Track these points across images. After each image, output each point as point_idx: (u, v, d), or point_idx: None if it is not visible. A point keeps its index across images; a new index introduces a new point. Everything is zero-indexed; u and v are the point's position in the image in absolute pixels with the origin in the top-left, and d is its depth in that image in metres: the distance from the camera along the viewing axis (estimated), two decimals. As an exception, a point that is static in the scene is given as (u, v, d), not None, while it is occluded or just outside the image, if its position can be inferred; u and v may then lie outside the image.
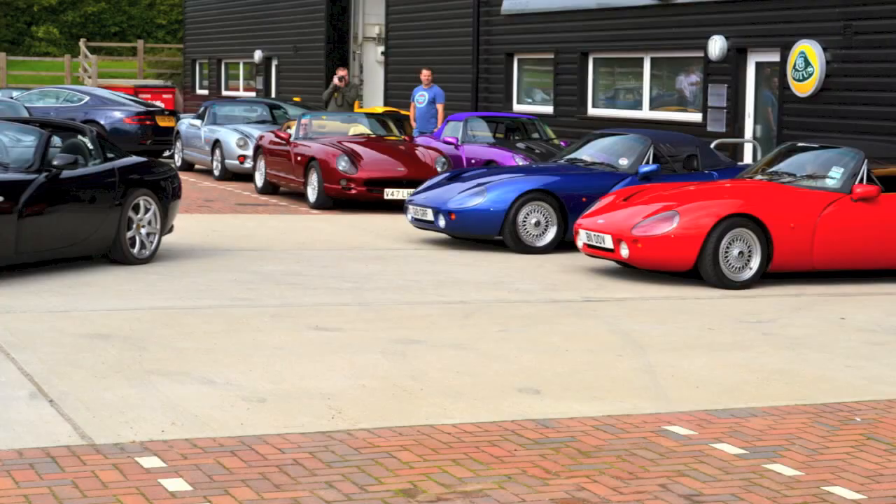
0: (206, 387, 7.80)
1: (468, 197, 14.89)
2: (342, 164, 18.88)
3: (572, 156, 16.22)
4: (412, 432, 6.93)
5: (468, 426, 7.11)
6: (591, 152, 16.10)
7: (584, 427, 7.16)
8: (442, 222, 14.96)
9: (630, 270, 13.32)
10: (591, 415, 7.44)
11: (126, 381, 7.89)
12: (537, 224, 14.76)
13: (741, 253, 12.54)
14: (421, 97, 24.06)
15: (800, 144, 14.41)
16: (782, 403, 7.88)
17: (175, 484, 5.90)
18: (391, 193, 18.79)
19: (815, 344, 9.86)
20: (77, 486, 5.82)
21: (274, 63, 36.16)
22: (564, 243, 14.72)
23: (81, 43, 46.54)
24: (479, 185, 15.08)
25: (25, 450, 6.34)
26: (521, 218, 14.70)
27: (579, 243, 13.31)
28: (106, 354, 8.62)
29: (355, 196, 18.85)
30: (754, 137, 19.74)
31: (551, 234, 14.82)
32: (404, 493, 5.90)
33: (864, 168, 13.04)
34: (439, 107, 23.87)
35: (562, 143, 21.07)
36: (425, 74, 24.24)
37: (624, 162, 15.53)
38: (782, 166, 13.81)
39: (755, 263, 12.59)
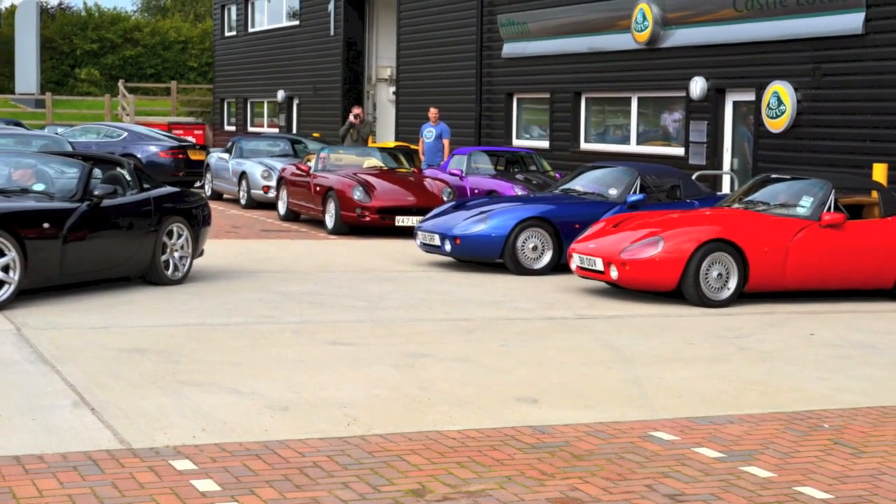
0: (234, 396, 7.81)
1: (472, 224, 14.91)
2: (357, 194, 18.91)
3: (566, 186, 16.23)
4: (421, 437, 6.94)
5: (472, 432, 7.11)
6: (584, 183, 16.11)
7: (577, 433, 7.16)
8: (448, 247, 14.98)
9: (619, 290, 13.32)
10: (584, 422, 7.44)
11: (161, 391, 7.90)
12: (535, 248, 14.77)
13: (720, 275, 12.55)
14: (428, 133, 24.09)
15: (773, 176, 14.43)
16: (757, 411, 7.88)
17: (205, 484, 5.91)
18: (402, 220, 18.81)
19: (787, 357, 9.86)
20: (116, 487, 5.83)
21: (295, 102, 36.24)
22: (560, 266, 14.73)
23: (120, 84, 46.66)
24: (481, 212, 15.09)
25: (69, 453, 6.35)
26: (519, 243, 14.71)
27: (573, 266, 13.32)
28: (142, 367, 8.63)
29: (369, 223, 18.87)
30: (732, 170, 19.75)
31: (547, 257, 14.83)
32: (414, 493, 5.90)
33: (832, 197, 13.06)
34: (445, 142, 23.89)
35: (556, 175, 21.09)
36: (432, 112, 24.28)
37: (613, 192, 15.53)
38: (757, 196, 13.82)
39: (733, 284, 12.60)
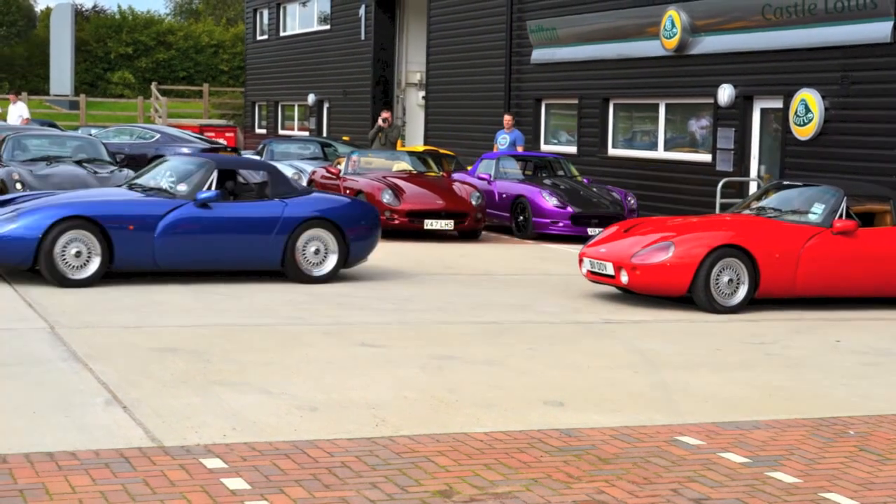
0: (264, 396, 7.83)
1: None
2: (386, 197, 18.93)
3: (138, 181, 13.97)
4: (448, 439, 6.95)
5: (499, 434, 7.11)
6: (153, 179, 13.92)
7: (604, 436, 7.15)
8: None
9: (645, 296, 13.27)
10: (610, 425, 7.44)
11: (192, 390, 7.93)
12: (78, 254, 12.39)
13: (731, 280, 12.49)
14: (503, 139, 23.89)
15: (785, 182, 14.37)
16: (783, 417, 7.86)
17: (235, 483, 5.93)
18: (430, 224, 18.83)
19: (813, 364, 9.83)
20: (148, 484, 5.86)
21: (325, 105, 36.32)
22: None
23: (153, 86, 46.88)
24: (15, 210, 12.79)
25: (101, 451, 6.39)
26: (58, 248, 12.32)
27: (583, 270, 13.28)
28: (174, 366, 8.67)
29: (398, 226, 18.89)
30: (759, 176, 19.69)
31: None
32: (441, 494, 5.91)
33: (844, 204, 13.00)
34: (519, 148, 23.53)
35: (584, 181, 21.07)
36: (507, 119, 24.10)
37: (183, 188, 13.34)
38: (769, 202, 13.77)
39: (743, 290, 12.53)
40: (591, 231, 18.75)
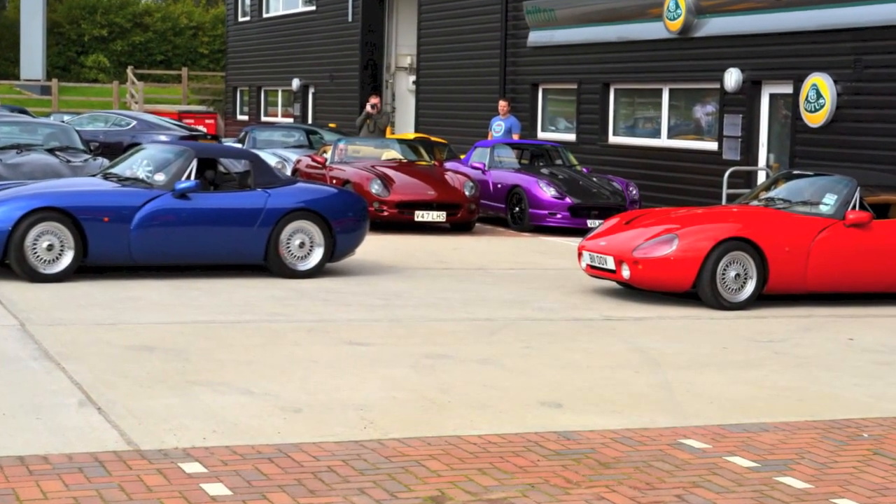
0: (246, 397, 7.83)
1: None
2: (375, 188, 18.93)
3: (114, 171, 13.96)
4: (440, 442, 6.94)
5: (493, 437, 7.11)
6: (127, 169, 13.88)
7: (604, 439, 7.16)
8: None
9: (647, 292, 13.28)
10: (611, 428, 7.44)
11: (169, 390, 7.93)
12: (50, 248, 12.32)
13: (738, 275, 12.49)
14: (498, 126, 23.86)
15: (795, 172, 14.37)
16: (793, 419, 7.87)
17: (216, 488, 5.93)
18: (421, 215, 18.82)
19: (824, 363, 9.84)
20: (123, 490, 5.85)
21: (311, 91, 36.30)
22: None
23: (129, 70, 46.82)
24: None
25: (75, 454, 6.38)
26: (28, 241, 12.32)
27: (582, 264, 13.28)
28: (150, 365, 8.66)
29: (387, 217, 18.89)
30: (768, 165, 19.70)
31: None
32: (432, 500, 5.91)
33: (857, 195, 13.00)
34: (515, 136, 23.56)
35: (584, 170, 21.08)
36: (503, 105, 24.09)
37: (160, 178, 13.26)
38: (778, 193, 13.77)
39: (751, 285, 12.53)
40: (590, 223, 18.75)
